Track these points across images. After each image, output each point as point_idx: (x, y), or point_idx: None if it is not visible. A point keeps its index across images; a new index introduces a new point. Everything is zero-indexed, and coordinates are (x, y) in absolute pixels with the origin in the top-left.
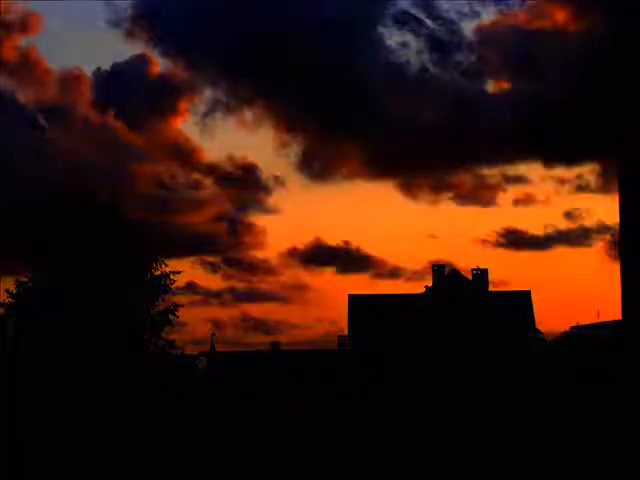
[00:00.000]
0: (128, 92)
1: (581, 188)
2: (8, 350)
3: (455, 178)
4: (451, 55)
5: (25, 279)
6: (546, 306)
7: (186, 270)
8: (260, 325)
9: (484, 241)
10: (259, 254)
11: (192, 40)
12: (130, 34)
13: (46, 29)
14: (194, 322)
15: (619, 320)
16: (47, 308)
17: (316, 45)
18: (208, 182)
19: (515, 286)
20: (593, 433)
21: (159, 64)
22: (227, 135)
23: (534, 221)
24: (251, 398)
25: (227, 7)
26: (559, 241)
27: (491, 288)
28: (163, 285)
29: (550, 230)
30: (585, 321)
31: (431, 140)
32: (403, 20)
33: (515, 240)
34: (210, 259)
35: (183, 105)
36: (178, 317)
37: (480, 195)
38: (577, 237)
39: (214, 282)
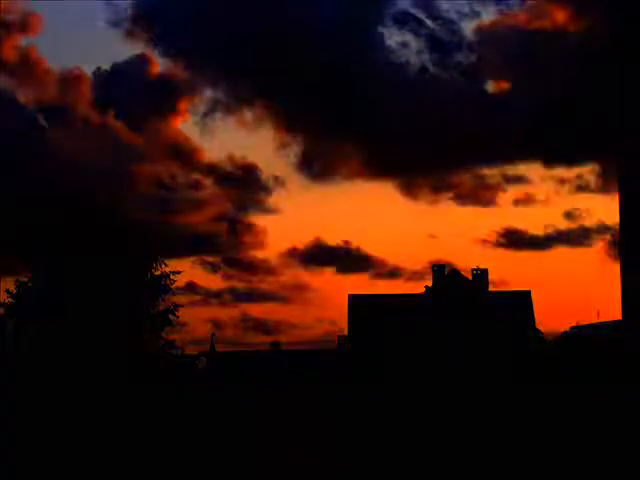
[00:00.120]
0: (128, 92)
1: (581, 188)
2: (8, 350)
3: (455, 178)
4: (451, 55)
5: (25, 279)
6: (546, 306)
7: (186, 270)
8: (260, 325)
9: (484, 241)
10: (259, 254)
11: (192, 40)
12: (130, 34)
13: (46, 29)
14: (194, 322)
15: (619, 320)
16: (47, 308)
17: (316, 45)
18: (208, 182)
19: (515, 286)
20: (593, 433)
21: (159, 64)
22: (227, 135)
23: (534, 221)
24: (251, 398)
25: (227, 7)
26: (559, 241)
27: (491, 288)
28: (163, 285)
29: (550, 230)
30: (585, 321)
31: (431, 140)
32: (403, 20)
33: (515, 240)
34: (210, 259)
35: (183, 105)
36: (178, 317)
37: (480, 195)
38: (577, 237)
39: (214, 282)
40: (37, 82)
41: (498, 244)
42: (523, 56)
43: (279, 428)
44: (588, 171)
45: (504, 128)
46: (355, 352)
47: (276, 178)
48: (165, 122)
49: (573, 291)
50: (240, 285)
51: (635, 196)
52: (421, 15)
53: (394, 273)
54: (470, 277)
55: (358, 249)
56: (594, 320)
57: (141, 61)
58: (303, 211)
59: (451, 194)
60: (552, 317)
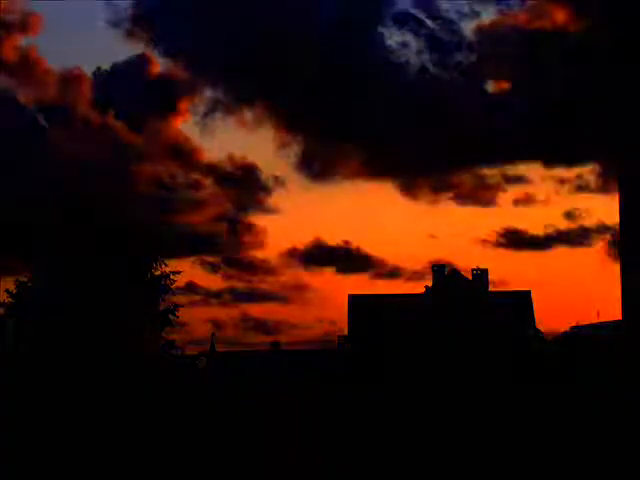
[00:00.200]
0: (128, 92)
1: (581, 188)
2: (8, 350)
3: (455, 178)
4: (451, 55)
5: (25, 279)
6: (546, 306)
7: (186, 270)
8: (260, 325)
9: (484, 241)
10: (259, 254)
11: (192, 40)
12: (130, 34)
13: (46, 29)
14: (194, 322)
15: (619, 320)
16: (47, 308)
17: (316, 45)
18: (208, 182)
19: (515, 286)
20: (593, 433)
21: (159, 64)
22: (227, 135)
23: (534, 221)
24: (251, 398)
25: (227, 7)
26: (559, 241)
27: (491, 288)
28: (163, 285)
29: (550, 230)
30: (585, 321)
31: (431, 140)
32: (403, 20)
33: (515, 240)
34: (210, 259)
35: (183, 105)
36: (178, 317)
37: (480, 195)
38: (577, 237)
39: (214, 282)
40: (37, 82)
41: (498, 244)
42: (523, 56)
43: (279, 428)
44: (588, 171)
45: (504, 128)
46: (355, 352)
47: (276, 178)
48: (165, 122)
49: (573, 291)
50: (240, 285)
51: (635, 196)
52: (421, 15)
53: (394, 273)
54: (470, 277)
55: (358, 249)
56: (594, 320)
57: (141, 61)
58: (303, 211)
59: (451, 194)
60: (552, 317)
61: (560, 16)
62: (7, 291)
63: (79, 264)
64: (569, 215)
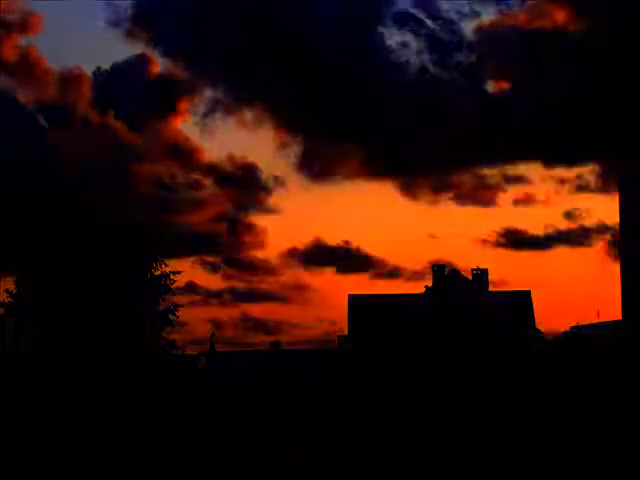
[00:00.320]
0: (128, 92)
1: (581, 188)
2: (8, 350)
3: (455, 178)
4: (451, 55)
5: (25, 279)
6: (546, 306)
7: (186, 270)
8: (260, 325)
9: (484, 241)
10: (259, 254)
11: (192, 40)
12: (130, 34)
13: (46, 29)
14: (194, 322)
15: (619, 320)
16: (47, 308)
17: (316, 45)
18: (208, 182)
19: (515, 286)
20: (593, 433)
21: (159, 64)
22: (227, 135)
23: (534, 221)
24: (251, 398)
25: (227, 7)
26: (559, 241)
27: (491, 288)
28: (163, 285)
29: (550, 230)
30: (585, 321)
31: (431, 140)
32: (403, 20)
33: (515, 240)
34: (210, 259)
35: (183, 105)
36: (178, 317)
37: (480, 195)
38: (577, 237)
39: (214, 282)
40: (37, 82)
41: (498, 244)
42: (523, 56)
43: (279, 428)
44: (588, 171)
45: (504, 128)
46: (355, 352)
47: (276, 178)
48: (165, 122)
49: (573, 291)
50: (240, 285)
51: (635, 196)
52: (421, 15)
53: (394, 273)
54: (470, 277)
55: (358, 249)
56: (594, 320)
57: (141, 61)
58: (303, 211)
59: (451, 194)
60: (552, 317)
61: (560, 16)
62: (7, 291)
63: (79, 264)
64: (569, 215)
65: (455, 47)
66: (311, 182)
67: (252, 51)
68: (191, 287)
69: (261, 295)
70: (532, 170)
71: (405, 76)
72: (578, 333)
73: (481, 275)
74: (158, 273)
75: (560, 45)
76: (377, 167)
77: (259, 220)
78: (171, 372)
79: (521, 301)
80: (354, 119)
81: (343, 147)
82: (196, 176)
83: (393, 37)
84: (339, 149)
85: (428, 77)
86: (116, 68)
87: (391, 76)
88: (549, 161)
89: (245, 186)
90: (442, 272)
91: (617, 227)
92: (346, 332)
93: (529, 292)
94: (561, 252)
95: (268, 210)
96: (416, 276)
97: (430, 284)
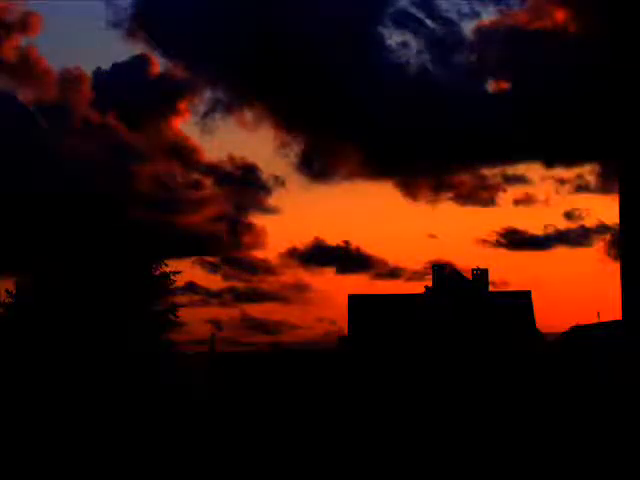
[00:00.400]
0: (128, 92)
1: (581, 188)
2: (8, 350)
3: (455, 178)
4: (451, 55)
5: (25, 279)
6: (546, 306)
7: (186, 270)
8: (260, 325)
9: (484, 241)
10: (259, 254)
11: (192, 40)
12: (130, 34)
13: (46, 29)
14: (194, 322)
15: (619, 320)
16: (46, 308)
17: (316, 45)
18: (208, 182)
19: (515, 286)
20: (593, 433)
21: (159, 64)
22: (227, 135)
23: (534, 221)
24: (251, 398)
25: (227, 7)
26: (559, 241)
27: (491, 288)
28: (163, 285)
29: (550, 230)
30: (585, 321)
31: (431, 140)
32: (403, 20)
33: (515, 240)
34: (210, 259)
35: (183, 105)
36: (178, 317)
37: (480, 195)
38: (577, 237)
39: (214, 282)
40: (37, 82)
41: (498, 244)
42: (523, 56)
43: (279, 428)
44: (588, 171)
45: (504, 128)
46: (355, 352)
47: (276, 178)
48: (165, 122)
49: (573, 291)
50: (240, 285)
51: (635, 196)
52: (421, 15)
53: (394, 273)
54: (470, 277)
55: (358, 249)
56: (594, 320)
57: (141, 61)
58: (303, 211)
59: (451, 194)
60: (552, 317)
61: (560, 16)
62: (7, 291)
63: (79, 264)
64: (569, 215)
65: (455, 47)
66: (311, 182)
67: (252, 51)
68: (191, 287)
69: (261, 295)
70: (532, 170)
71: (405, 76)
72: (578, 333)
73: (481, 275)
74: (158, 273)
75: (560, 45)
76: (377, 167)
77: (259, 220)
78: (171, 372)
79: (521, 301)
80: (354, 119)
81: (343, 147)
82: (196, 176)
83: (393, 37)
84: (339, 149)
85: (428, 77)
86: (116, 68)
87: (391, 76)
88: (549, 161)
89: (245, 186)
90: (442, 272)
91: (617, 227)
92: (346, 332)
93: (529, 292)
94: (561, 252)
95: (268, 210)
96: (416, 276)
97: (430, 284)
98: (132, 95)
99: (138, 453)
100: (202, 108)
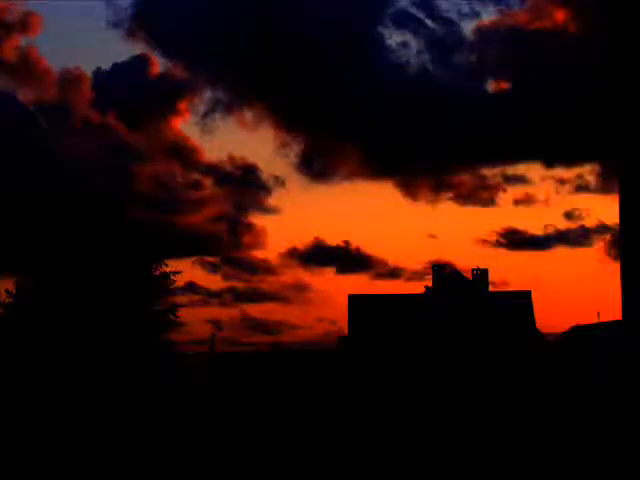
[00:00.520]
0: (128, 92)
1: (581, 188)
2: (8, 350)
3: (455, 178)
4: (451, 55)
5: (25, 279)
6: (546, 306)
7: (186, 270)
8: (260, 325)
9: (484, 241)
10: (259, 254)
11: (192, 40)
12: (130, 34)
13: (46, 29)
14: (194, 322)
15: (619, 320)
16: (45, 309)
17: (316, 45)
18: (208, 182)
19: (515, 286)
20: (593, 433)
21: (159, 64)
22: (227, 135)
23: (534, 221)
24: (251, 398)
25: (227, 7)
26: (559, 241)
27: (491, 288)
28: (163, 285)
29: (550, 230)
30: (585, 321)
31: (431, 140)
32: (403, 20)
33: (515, 240)
34: (210, 259)
35: (183, 105)
36: (178, 317)
37: (480, 195)
38: (577, 237)
39: (214, 282)
40: (37, 82)
41: (498, 244)
42: (523, 56)
43: (279, 428)
44: (588, 171)
45: (504, 128)
46: (355, 352)
47: (276, 178)
48: (165, 122)
49: (573, 291)
50: (240, 285)
51: (635, 196)
52: (421, 15)
53: (394, 273)
54: (470, 277)
55: (358, 249)
56: (594, 320)
57: (141, 61)
58: (303, 211)
59: (451, 194)
60: (552, 317)
61: (560, 16)
62: (7, 291)
63: (78, 264)
64: (569, 215)
65: (455, 47)
66: (311, 182)
67: (252, 51)
68: (191, 287)
69: (261, 295)
70: (532, 170)
71: (405, 76)
72: (578, 333)
73: (481, 275)
74: (158, 273)
75: (560, 45)
76: (377, 167)
77: (259, 220)
78: (171, 372)
79: (521, 301)
80: (354, 119)
81: (343, 147)
82: (196, 176)
83: (393, 37)
84: (339, 149)
85: (428, 77)
86: (116, 68)
87: (391, 76)
88: (549, 161)
89: (245, 186)
90: (442, 272)
91: (617, 227)
92: (346, 332)
93: (529, 292)
94: (561, 252)
95: (268, 210)
96: (416, 276)
97: (430, 284)
98: (132, 95)
99: (138, 453)
100: (202, 108)
